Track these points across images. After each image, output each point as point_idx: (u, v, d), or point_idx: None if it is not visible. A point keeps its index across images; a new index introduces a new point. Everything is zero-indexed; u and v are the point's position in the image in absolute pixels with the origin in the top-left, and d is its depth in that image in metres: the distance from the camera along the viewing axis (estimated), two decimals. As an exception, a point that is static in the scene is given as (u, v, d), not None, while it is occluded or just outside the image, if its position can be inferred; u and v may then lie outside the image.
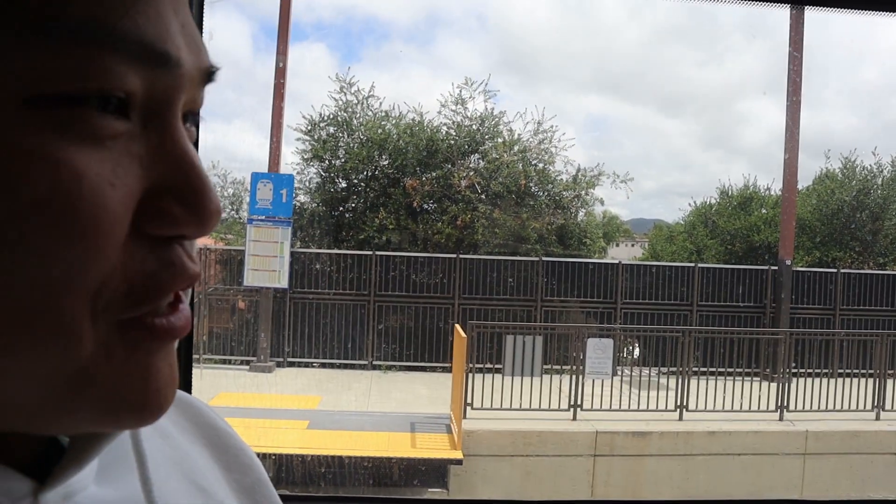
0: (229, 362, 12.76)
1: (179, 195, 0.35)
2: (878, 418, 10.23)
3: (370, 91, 16.07)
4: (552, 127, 16.23)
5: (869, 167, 18.85)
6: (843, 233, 18.38)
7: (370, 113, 16.10)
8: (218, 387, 10.79)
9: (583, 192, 16.28)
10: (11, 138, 0.30)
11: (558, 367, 10.46)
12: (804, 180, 19.92)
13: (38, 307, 0.31)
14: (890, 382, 10.42)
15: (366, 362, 13.26)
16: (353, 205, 15.87)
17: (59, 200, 0.30)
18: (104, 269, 0.32)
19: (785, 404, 10.09)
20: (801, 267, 16.09)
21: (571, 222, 16.30)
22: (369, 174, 15.77)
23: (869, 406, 10.32)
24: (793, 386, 10.25)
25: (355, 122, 15.95)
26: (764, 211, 19.65)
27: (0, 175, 0.30)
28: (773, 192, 19.82)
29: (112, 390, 0.35)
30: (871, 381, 10.45)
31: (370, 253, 13.56)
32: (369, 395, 11.31)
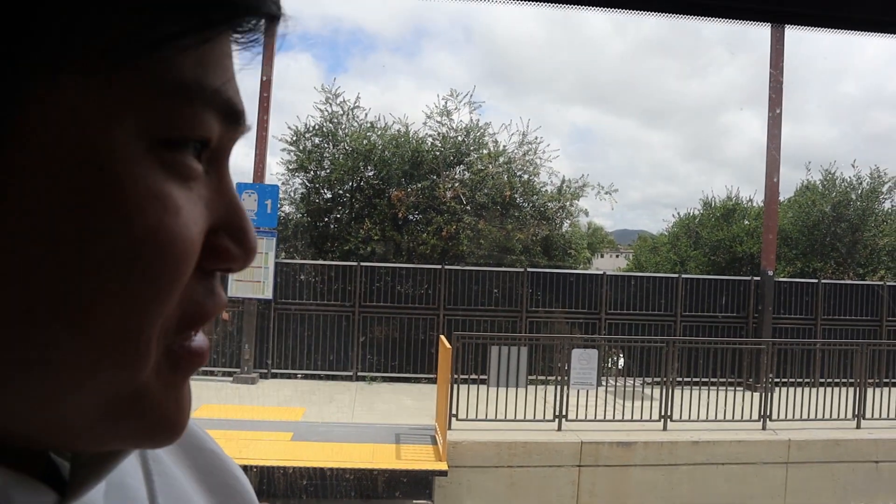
0: (212, 374, 12.68)
1: (231, 233, 0.40)
2: (858, 427, 10.31)
3: (356, 102, 16.12)
4: (537, 138, 16.34)
5: (848, 179, 19.10)
6: (823, 244, 18.57)
7: (356, 124, 16.13)
8: (201, 399, 10.72)
9: (567, 204, 16.35)
10: (135, 175, 0.34)
11: (543, 377, 10.47)
12: (786, 192, 20.18)
13: (129, 331, 0.35)
14: (870, 391, 10.53)
15: (350, 373, 13.22)
16: (338, 215, 15.87)
17: (164, 233, 0.34)
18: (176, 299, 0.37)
19: (768, 413, 10.15)
20: (783, 277, 16.23)
21: (556, 233, 16.36)
22: (354, 185, 15.79)
23: (850, 415, 10.39)
24: (775, 395, 10.31)
25: (341, 132, 15.97)
26: (746, 222, 19.83)
27: (122, 205, 0.33)
28: (755, 204, 20.04)
29: (155, 411, 0.38)
30: (851, 389, 10.54)
31: (355, 264, 13.55)
32: (354, 406, 11.28)
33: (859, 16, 1.19)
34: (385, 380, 13.24)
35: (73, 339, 0.33)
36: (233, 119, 0.39)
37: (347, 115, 16.08)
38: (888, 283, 15.59)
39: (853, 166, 19.43)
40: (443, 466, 8.49)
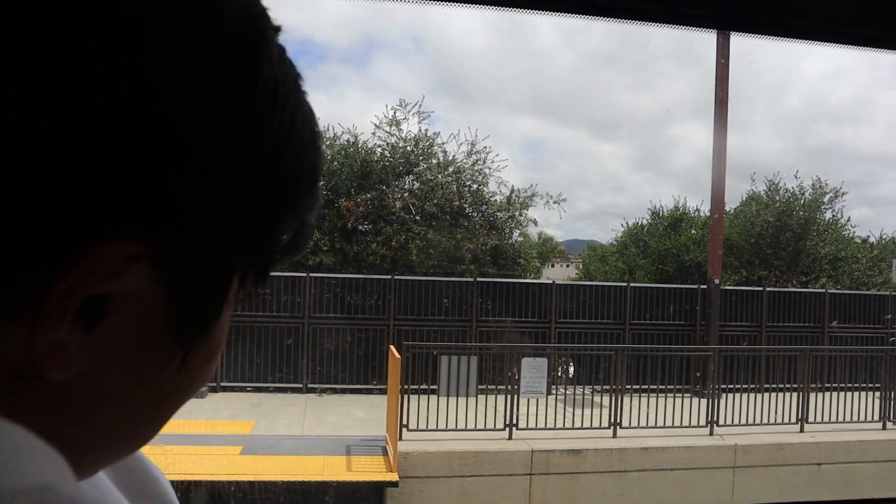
0: (159, 388, 12.39)
1: None
2: (801, 430, 10.56)
3: (304, 112, 15.98)
4: (486, 148, 16.44)
5: (791, 190, 19.64)
6: (767, 252, 19.05)
7: (305, 134, 15.99)
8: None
9: (517, 213, 16.46)
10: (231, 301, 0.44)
11: (493, 386, 10.49)
12: (732, 202, 20.67)
13: (156, 428, 0.48)
14: (813, 396, 10.79)
15: (301, 386, 13.08)
16: (288, 226, 15.72)
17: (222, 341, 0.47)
18: None
19: (715, 419, 10.32)
20: (729, 286, 16.57)
21: (506, 243, 16.46)
22: (304, 195, 15.66)
23: (793, 419, 10.64)
24: (722, 401, 10.49)
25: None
26: (693, 231, 20.24)
27: (220, 347, 0.46)
28: (702, 213, 20.47)
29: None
30: (795, 394, 10.80)
31: (304, 275, 13.42)
32: (304, 418, 11.16)
33: (799, 24, 1.22)
34: (336, 391, 13.13)
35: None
36: None
37: (296, 125, 15.95)
38: (829, 291, 16.05)
39: (796, 177, 20.01)
40: (394, 477, 8.45)
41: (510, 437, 9.49)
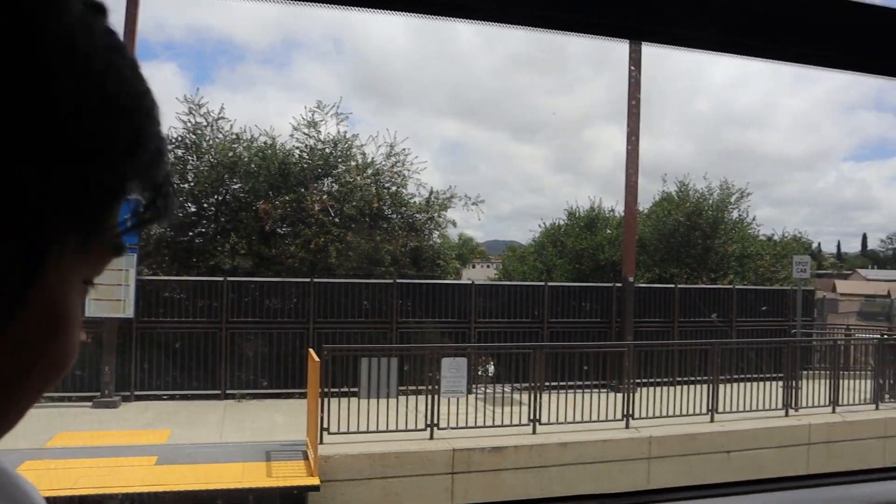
0: (69, 399, 11.97)
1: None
2: (712, 420, 11.00)
3: (220, 113, 15.72)
4: (405, 150, 16.45)
5: (700, 190, 20.34)
6: (679, 251, 19.67)
7: (220, 135, 15.72)
8: (56, 426, 10.11)
9: (436, 215, 16.54)
10: (76, 302, 0.47)
11: (414, 387, 10.53)
12: (645, 202, 21.28)
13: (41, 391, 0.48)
14: (722, 387, 11.24)
15: (219, 392, 12.84)
16: (203, 230, 15.41)
17: (76, 346, 0.49)
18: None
19: (630, 413, 10.63)
20: (643, 283, 17.04)
21: (425, 244, 16.51)
22: (220, 198, 15.39)
23: (704, 410, 11.05)
24: (638, 395, 10.81)
25: (205, 144, 15.53)
26: (608, 231, 20.72)
27: (62, 321, 0.46)
28: (616, 214, 20.98)
29: None
30: (706, 386, 11.23)
31: (221, 279, 13.19)
32: (223, 425, 10.96)
33: (704, 35, 1.31)
34: (255, 397, 12.94)
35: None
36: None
37: (211, 126, 15.67)
38: (737, 287, 16.72)
39: (705, 178, 20.66)
40: (315, 481, 8.40)
41: (431, 437, 9.55)
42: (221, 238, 14.79)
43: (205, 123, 15.59)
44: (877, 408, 12.26)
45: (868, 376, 13.04)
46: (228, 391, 12.88)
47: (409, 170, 16.45)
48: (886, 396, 12.71)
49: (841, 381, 12.17)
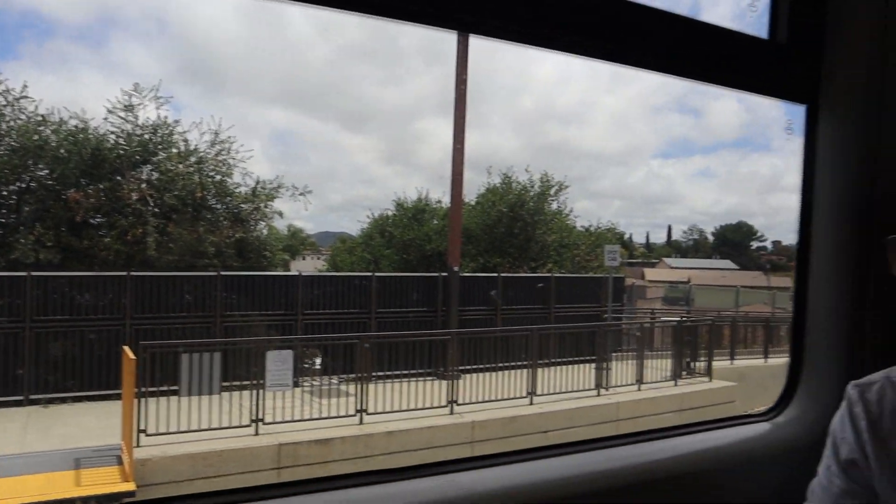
0: None
1: None
2: (531, 403, 11.54)
3: (22, 92, 14.47)
4: (230, 138, 15.91)
5: (523, 183, 21.14)
6: (502, 241, 20.37)
7: (23, 116, 14.49)
8: None
9: (262, 205, 16.14)
10: None
11: (239, 382, 10.26)
12: (472, 194, 21.84)
13: None
14: (541, 371, 11.81)
15: (21, 398, 11.84)
16: (3, 220, 14.19)
17: None
18: None
19: (454, 399, 10.91)
20: (468, 273, 17.49)
21: (251, 235, 16.09)
22: (23, 185, 14.23)
23: (524, 393, 11.56)
24: (462, 382, 11.13)
25: (4, 126, 14.26)
26: (435, 222, 21.10)
27: None
28: (444, 205, 21.39)
29: None
30: (525, 371, 11.76)
31: (24, 274, 12.19)
32: (25, 433, 10.17)
33: (529, 31, 1.39)
34: (65, 400, 12.08)
35: None
36: None
37: (12, 105, 14.40)
38: (555, 275, 17.53)
39: (527, 171, 21.48)
40: (130, 487, 7.99)
41: (257, 433, 9.36)
42: (24, 229, 13.68)
43: (4, 103, 14.31)
44: (675, 384, 13.40)
45: (669, 356, 14.15)
46: (32, 396, 11.93)
47: (234, 158, 15.95)
48: (684, 374, 13.87)
49: (646, 361, 13.23)
